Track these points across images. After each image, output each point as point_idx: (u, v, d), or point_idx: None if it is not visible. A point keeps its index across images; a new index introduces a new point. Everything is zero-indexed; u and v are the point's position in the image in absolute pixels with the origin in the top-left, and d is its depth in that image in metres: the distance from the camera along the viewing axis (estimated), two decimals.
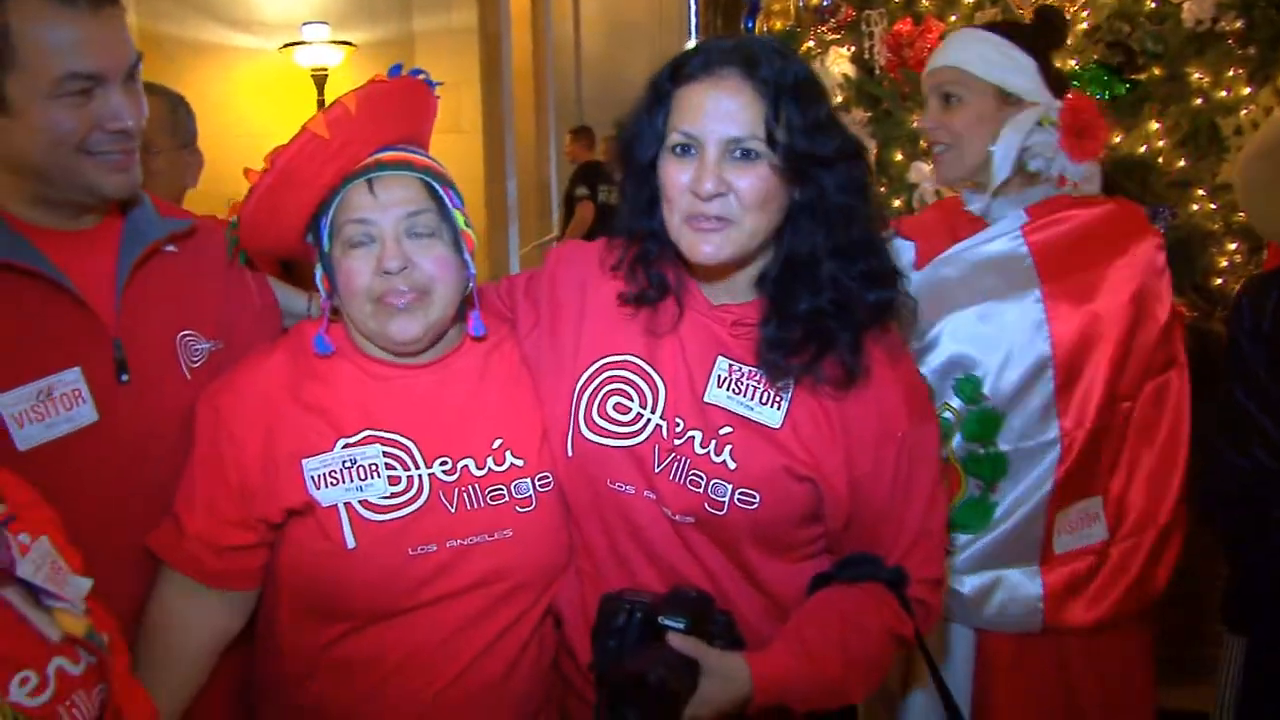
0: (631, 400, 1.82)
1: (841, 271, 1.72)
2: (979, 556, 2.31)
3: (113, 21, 1.74)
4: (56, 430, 1.73)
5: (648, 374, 1.82)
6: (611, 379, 1.84)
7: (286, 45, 7.94)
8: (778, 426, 1.75)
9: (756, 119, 1.66)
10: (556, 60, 11.15)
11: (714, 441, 1.76)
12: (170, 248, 1.95)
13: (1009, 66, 2.35)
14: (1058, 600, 2.30)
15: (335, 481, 1.78)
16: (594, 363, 1.86)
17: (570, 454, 1.84)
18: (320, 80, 7.97)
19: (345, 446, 1.80)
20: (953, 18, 3.73)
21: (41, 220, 1.80)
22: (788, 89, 1.67)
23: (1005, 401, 2.28)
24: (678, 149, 1.72)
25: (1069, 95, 2.40)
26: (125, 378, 1.81)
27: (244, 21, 8.00)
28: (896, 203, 3.62)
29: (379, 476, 1.79)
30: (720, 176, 1.68)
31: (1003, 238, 2.35)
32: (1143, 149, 3.43)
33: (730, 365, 1.78)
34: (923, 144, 3.61)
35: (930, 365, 2.29)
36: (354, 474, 1.79)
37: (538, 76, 10.69)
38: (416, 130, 1.90)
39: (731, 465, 1.75)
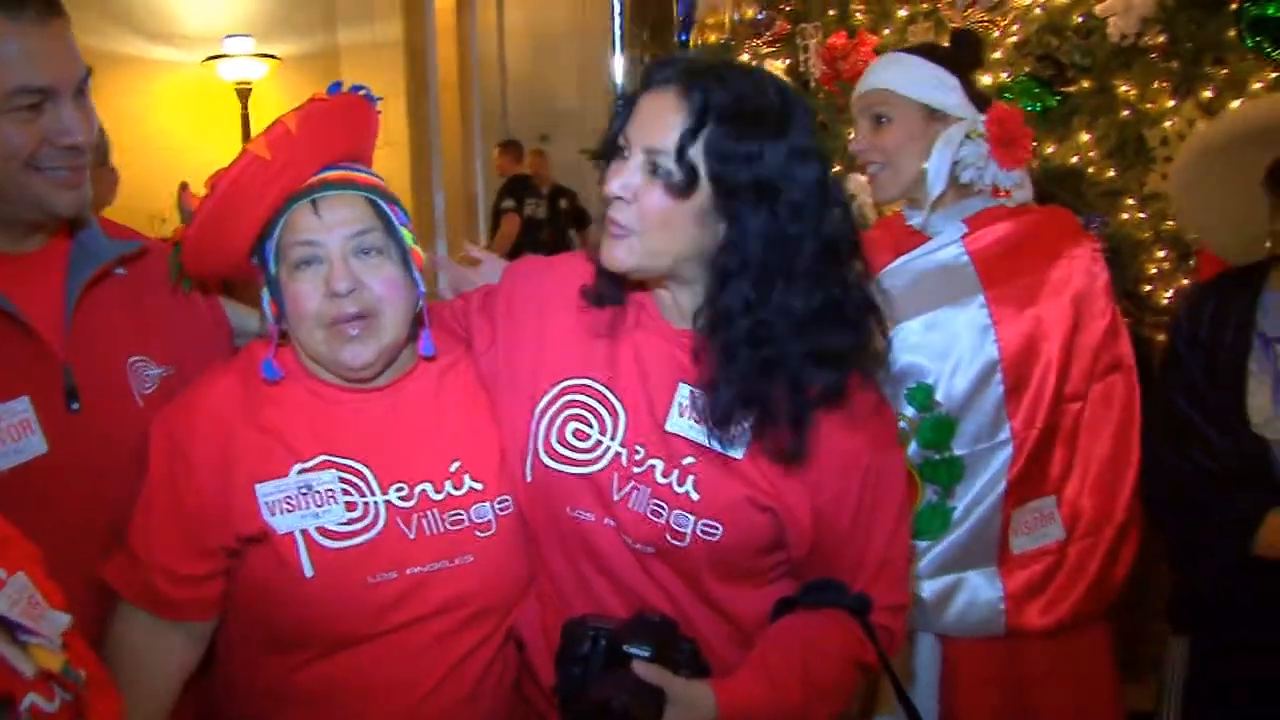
0: (591, 427, 1.78)
1: (783, 343, 1.63)
2: (939, 561, 2.34)
3: (62, 34, 1.69)
4: (4, 463, 1.67)
5: (608, 399, 1.79)
6: (571, 404, 1.80)
7: (209, 58, 7.83)
8: (740, 457, 1.71)
9: (673, 132, 1.61)
10: (481, 73, 11.12)
11: (676, 471, 1.73)
12: (119, 270, 1.90)
13: (934, 84, 2.41)
14: (1018, 602, 2.34)
15: (291, 508, 1.74)
16: (554, 385, 1.82)
17: (529, 479, 1.81)
18: (244, 94, 7.88)
19: (301, 472, 1.76)
20: (886, 31, 3.78)
21: None
22: (717, 110, 1.60)
23: (958, 407, 2.32)
24: (619, 153, 1.70)
25: (993, 105, 2.46)
26: (75, 406, 1.76)
27: (164, 34, 7.88)
28: None
29: (335, 503, 1.75)
30: (628, 183, 1.65)
31: (944, 249, 2.40)
32: (1074, 159, 3.50)
33: (692, 392, 1.73)
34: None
35: (884, 377, 2.30)
36: (310, 500, 1.75)
37: (463, 89, 10.66)
38: (359, 147, 1.87)
39: (695, 496, 1.71)
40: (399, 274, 1.80)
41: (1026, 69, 3.61)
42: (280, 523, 1.73)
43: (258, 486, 1.74)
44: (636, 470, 1.74)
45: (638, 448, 1.75)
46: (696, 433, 1.72)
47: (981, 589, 2.35)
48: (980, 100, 2.47)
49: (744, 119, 1.60)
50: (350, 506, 1.76)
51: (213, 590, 1.80)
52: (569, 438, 1.79)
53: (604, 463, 1.76)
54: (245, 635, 1.82)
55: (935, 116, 2.40)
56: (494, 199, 10.10)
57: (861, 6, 3.88)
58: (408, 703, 1.77)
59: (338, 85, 1.79)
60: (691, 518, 1.71)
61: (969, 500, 2.34)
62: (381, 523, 1.76)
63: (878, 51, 3.67)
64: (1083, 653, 2.42)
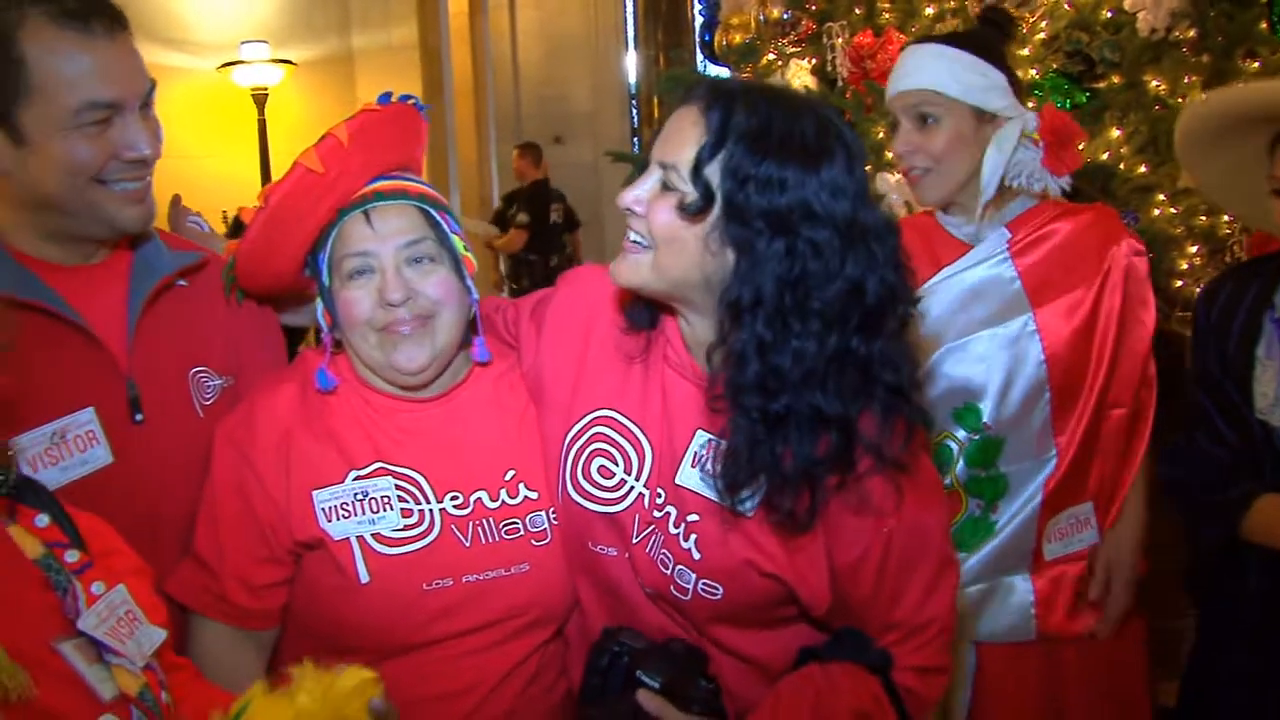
0: (616, 464, 1.76)
1: (795, 394, 1.54)
2: (976, 569, 2.34)
3: (127, 47, 1.70)
4: (71, 474, 1.69)
5: (635, 437, 1.76)
6: (598, 437, 1.78)
7: (225, 64, 7.84)
8: (749, 514, 1.64)
9: (690, 149, 1.55)
10: (496, 76, 11.13)
11: (683, 525, 1.70)
12: (180, 282, 1.91)
13: (984, 85, 2.30)
14: (1048, 606, 2.35)
15: (347, 514, 1.75)
16: (586, 414, 1.80)
17: (560, 505, 1.82)
18: (260, 100, 7.89)
19: (357, 479, 1.77)
20: (913, 29, 3.75)
21: (51, 255, 1.75)
22: (738, 130, 1.53)
23: (1006, 428, 2.31)
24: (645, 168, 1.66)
25: (1044, 110, 2.40)
26: (139, 417, 1.77)
27: (180, 40, 7.89)
28: None
29: (391, 509, 1.76)
30: (639, 195, 1.61)
31: (988, 261, 2.35)
32: (1105, 155, 3.47)
33: (709, 441, 1.67)
34: (888, 155, 3.63)
35: (929, 395, 2.28)
36: (366, 506, 1.76)
37: (477, 92, 10.67)
38: (409, 156, 1.87)
39: (696, 555, 1.68)
40: (452, 278, 1.80)
41: (1055, 65, 3.58)
42: (336, 529, 1.74)
43: (315, 493, 1.76)
44: (656, 514, 1.73)
45: (659, 491, 1.73)
46: (705, 487, 1.67)
47: (1013, 595, 2.35)
48: (1021, 91, 2.40)
49: (768, 143, 1.52)
50: (406, 514, 1.76)
51: (281, 598, 1.81)
52: (594, 474, 1.78)
53: (627, 503, 1.75)
54: (300, 642, 1.82)
55: (984, 118, 2.32)
56: (504, 202, 10.02)
57: (888, 5, 3.84)
58: (460, 710, 1.77)
59: (387, 96, 1.79)
60: (693, 575, 1.69)
61: (1010, 513, 2.34)
62: (437, 530, 1.77)
63: (904, 51, 3.64)
64: (1118, 649, 2.43)
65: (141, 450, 1.76)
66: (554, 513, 1.84)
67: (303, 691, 1.32)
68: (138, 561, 1.45)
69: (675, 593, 1.71)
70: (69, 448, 1.69)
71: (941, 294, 2.34)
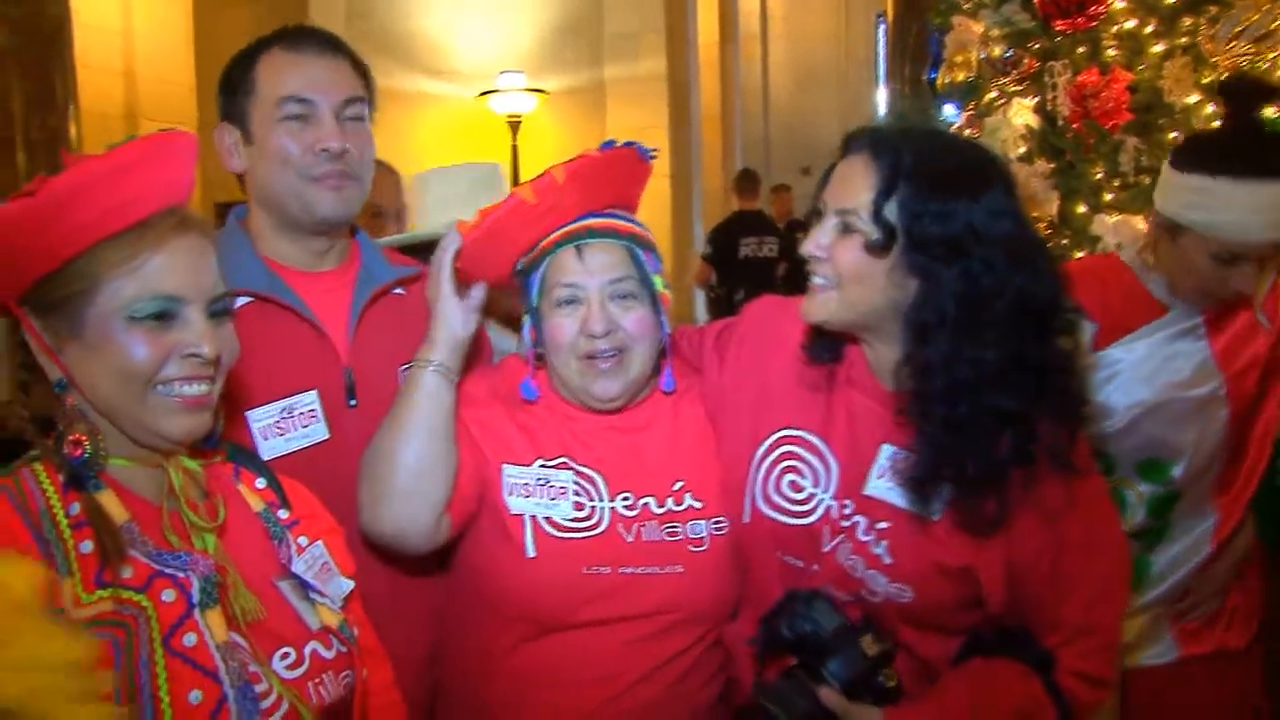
0: (805, 479, 1.89)
1: (975, 400, 1.67)
2: (1134, 604, 2.40)
3: (332, 64, 2.04)
4: (294, 444, 1.97)
5: (821, 452, 1.88)
6: (787, 455, 1.91)
7: (483, 93, 8.30)
8: (937, 518, 1.76)
9: (866, 194, 1.70)
10: (744, 106, 11.30)
11: (874, 533, 1.82)
12: (399, 290, 2.17)
13: None
14: (1192, 633, 2.46)
15: (527, 494, 1.94)
16: (772, 434, 1.93)
17: (747, 520, 1.94)
18: (514, 126, 8.31)
19: (542, 466, 1.96)
20: (1140, 67, 3.67)
21: (289, 258, 2.06)
22: (908, 170, 1.68)
23: (1188, 483, 2.39)
24: (818, 216, 1.81)
25: None
26: (353, 402, 2.04)
27: (444, 71, 8.42)
28: (1080, 254, 3.58)
29: (566, 499, 1.94)
30: (821, 242, 1.75)
31: (1183, 327, 2.40)
32: None
33: (895, 454, 1.80)
34: (1106, 196, 3.58)
35: (1120, 446, 2.37)
36: (545, 491, 1.94)
37: (725, 121, 10.88)
38: (625, 196, 2.04)
39: (887, 560, 1.80)
40: (649, 315, 1.97)
41: None
42: (515, 504, 1.94)
43: (504, 466, 1.96)
44: (844, 524, 1.85)
45: (846, 502, 1.85)
46: (894, 495, 1.80)
47: (1158, 622, 2.46)
48: None
49: (935, 179, 1.68)
50: (579, 507, 1.94)
51: (468, 508, 1.95)
52: (785, 489, 1.90)
53: (817, 515, 1.87)
54: (470, 604, 2.02)
55: None
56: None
57: (1114, 43, 3.78)
58: (604, 695, 1.92)
59: (611, 143, 1.97)
60: (884, 579, 1.80)
61: (1169, 559, 2.44)
62: (604, 525, 1.94)
63: (1131, 89, 3.58)
64: (1239, 670, 2.52)
65: (353, 430, 2.01)
66: (715, 523, 1.97)
67: None
68: (333, 523, 1.71)
69: (867, 596, 1.82)
70: (295, 422, 1.98)
71: (1141, 351, 2.40)
